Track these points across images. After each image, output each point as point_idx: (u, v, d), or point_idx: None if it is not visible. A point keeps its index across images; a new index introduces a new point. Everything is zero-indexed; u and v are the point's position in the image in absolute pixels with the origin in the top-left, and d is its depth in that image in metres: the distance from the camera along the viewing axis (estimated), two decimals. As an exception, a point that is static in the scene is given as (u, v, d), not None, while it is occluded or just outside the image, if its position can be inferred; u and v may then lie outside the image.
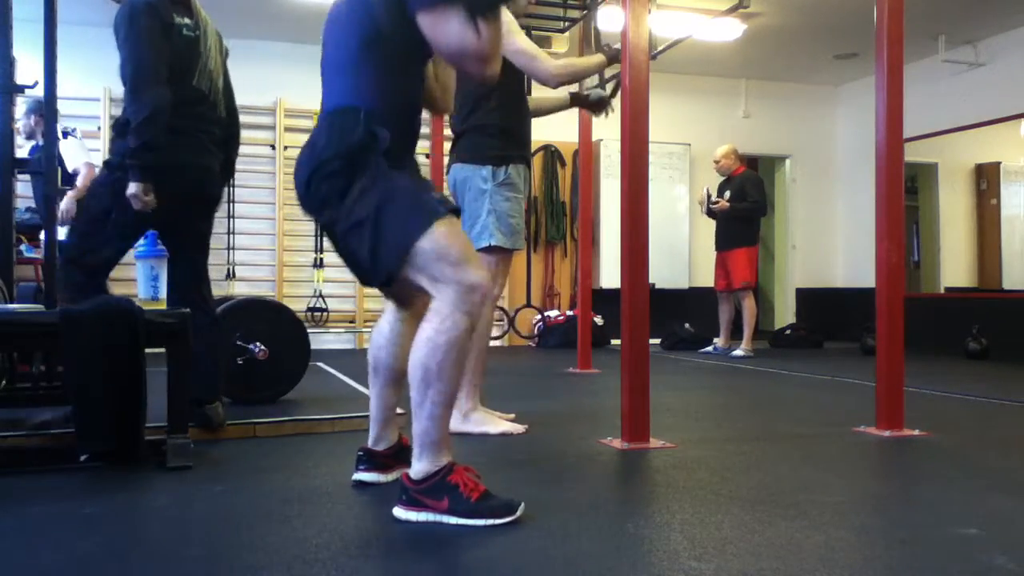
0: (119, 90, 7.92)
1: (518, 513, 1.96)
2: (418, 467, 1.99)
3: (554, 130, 7.12)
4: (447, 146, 3.73)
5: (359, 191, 2.02)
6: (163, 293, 2.66)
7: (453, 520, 1.94)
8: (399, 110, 2.12)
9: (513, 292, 8.29)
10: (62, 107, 3.86)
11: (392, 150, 2.04)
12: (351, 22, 2.10)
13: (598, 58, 3.31)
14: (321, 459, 2.79)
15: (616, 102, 3.37)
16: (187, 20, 3.04)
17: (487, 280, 2.01)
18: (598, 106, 3.57)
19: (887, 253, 3.26)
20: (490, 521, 1.92)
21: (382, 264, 2.03)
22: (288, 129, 7.82)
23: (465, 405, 3.19)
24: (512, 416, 3.40)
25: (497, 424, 3.24)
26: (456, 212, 2.09)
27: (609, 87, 3.62)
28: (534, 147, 4.16)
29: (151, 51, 2.86)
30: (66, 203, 5.19)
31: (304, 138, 7.30)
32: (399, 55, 2.09)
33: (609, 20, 6.21)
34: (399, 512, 2.00)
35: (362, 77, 2.08)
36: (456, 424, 3.27)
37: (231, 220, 7.61)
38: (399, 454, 2.37)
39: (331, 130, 2.08)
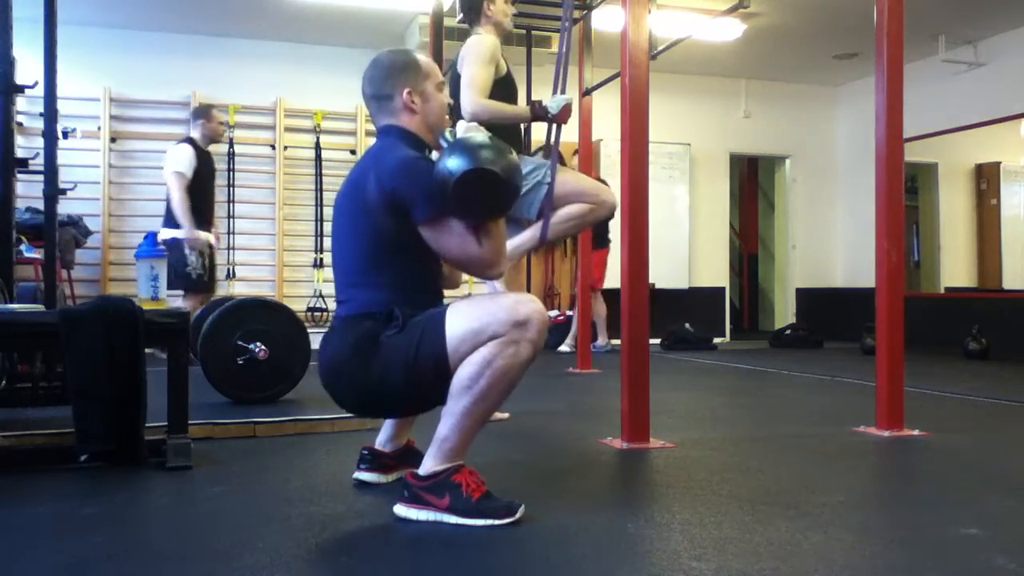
0: (119, 90, 7.94)
1: (518, 515, 1.96)
2: (427, 464, 1.99)
3: (554, 130, 7.12)
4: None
5: (383, 368, 2.00)
6: (163, 293, 2.66)
7: (453, 519, 1.94)
8: (415, 295, 2.09)
9: (513, 292, 8.29)
10: (62, 107, 3.85)
11: (406, 321, 2.03)
12: (358, 233, 2.10)
13: (523, 109, 3.29)
14: (321, 459, 2.79)
15: (618, 100, 3.36)
16: None
17: (535, 305, 1.97)
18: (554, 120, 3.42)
19: (887, 253, 3.26)
20: (490, 521, 1.93)
21: (436, 388, 2.00)
22: (288, 129, 7.82)
23: None
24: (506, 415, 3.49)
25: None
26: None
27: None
28: (534, 147, 4.19)
29: None
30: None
31: (304, 138, 7.30)
32: (411, 259, 2.09)
33: (609, 20, 6.23)
34: (400, 510, 2.01)
35: (378, 289, 2.06)
36: None
37: (231, 220, 7.61)
38: (404, 456, 2.37)
39: (346, 333, 2.07)
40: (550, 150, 3.33)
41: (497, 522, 1.93)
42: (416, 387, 2.01)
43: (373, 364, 2.01)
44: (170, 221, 5.48)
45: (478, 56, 3.26)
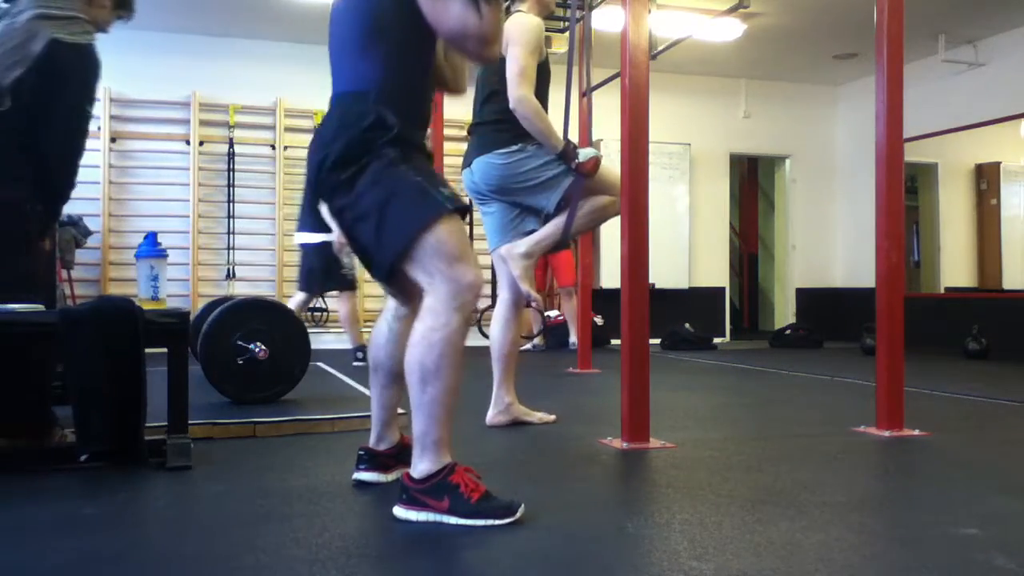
0: (119, 90, 7.94)
1: (518, 514, 1.95)
2: (420, 467, 1.98)
3: (554, 130, 7.12)
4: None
5: (368, 182, 2.02)
6: (163, 293, 2.66)
7: (453, 520, 1.94)
8: (408, 94, 2.11)
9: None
10: (62, 107, 3.84)
11: (402, 136, 2.04)
12: (357, 8, 2.10)
13: (559, 140, 3.21)
14: (321, 459, 2.79)
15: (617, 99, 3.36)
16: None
17: (480, 279, 2.02)
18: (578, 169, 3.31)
19: (887, 253, 3.26)
20: (490, 521, 1.92)
21: (384, 256, 2.04)
22: (288, 129, 7.82)
23: (504, 399, 3.37)
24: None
25: (533, 414, 3.43)
26: (463, 211, 2.07)
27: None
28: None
29: None
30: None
31: (304, 138, 7.26)
32: (406, 41, 2.08)
33: (609, 20, 6.23)
34: (399, 512, 2.00)
35: (369, 62, 2.07)
36: (496, 417, 3.36)
37: (231, 220, 7.62)
38: (400, 454, 2.36)
39: (340, 116, 2.08)
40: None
41: (497, 522, 1.93)
42: (370, 227, 2.02)
43: (357, 171, 2.01)
44: (308, 224, 5.36)
45: (528, 43, 3.18)
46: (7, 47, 2.57)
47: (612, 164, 3.30)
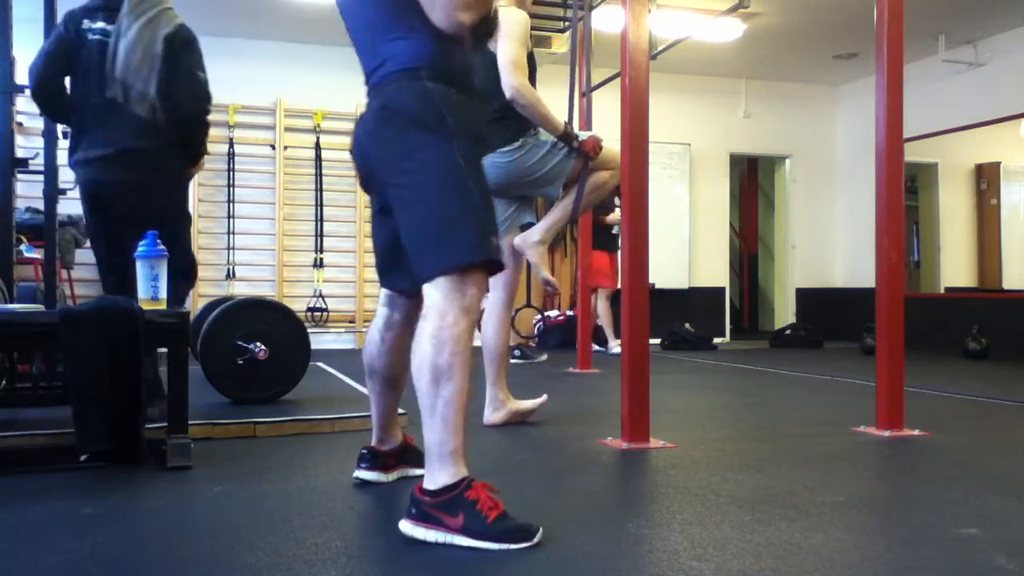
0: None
1: (536, 539, 1.81)
2: (437, 478, 1.84)
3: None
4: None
5: (421, 179, 1.91)
6: (163, 293, 2.66)
7: (465, 542, 1.80)
8: (454, 64, 2.02)
9: (513, 292, 8.28)
10: (62, 107, 3.84)
11: (459, 121, 1.94)
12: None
13: (558, 124, 3.24)
14: (321, 459, 2.79)
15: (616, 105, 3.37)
16: (99, 24, 3.09)
17: (485, 278, 1.96)
18: (577, 152, 3.35)
19: (887, 253, 3.26)
20: (505, 546, 1.78)
21: (419, 269, 1.95)
22: (288, 129, 7.82)
23: (499, 398, 3.40)
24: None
25: (524, 403, 3.48)
26: (495, 267, 1.97)
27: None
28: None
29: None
30: None
31: (304, 138, 7.29)
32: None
33: (609, 20, 6.23)
34: (406, 528, 1.86)
35: (409, 39, 1.98)
36: (493, 416, 3.37)
37: (231, 220, 7.61)
38: (403, 454, 2.36)
39: (404, 87, 1.96)
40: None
41: (513, 547, 1.78)
42: (413, 225, 1.94)
43: (413, 159, 1.92)
44: None
45: (517, 35, 3.20)
46: (136, 60, 3.02)
47: (609, 142, 3.39)
